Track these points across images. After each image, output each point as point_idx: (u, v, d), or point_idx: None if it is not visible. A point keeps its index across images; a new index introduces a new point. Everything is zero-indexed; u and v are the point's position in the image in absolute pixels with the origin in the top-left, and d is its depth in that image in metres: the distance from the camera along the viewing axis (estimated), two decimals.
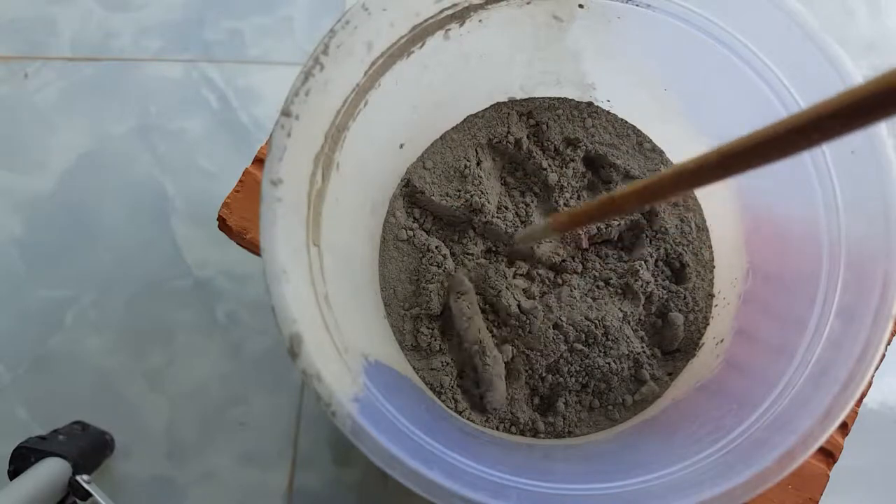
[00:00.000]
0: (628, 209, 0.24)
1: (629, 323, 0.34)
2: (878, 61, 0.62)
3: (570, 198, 0.36)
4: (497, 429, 0.33)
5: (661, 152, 0.37)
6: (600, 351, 0.34)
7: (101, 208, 0.57)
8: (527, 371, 0.34)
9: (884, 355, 0.25)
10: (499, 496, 0.23)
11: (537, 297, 0.35)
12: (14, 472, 0.44)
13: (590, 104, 0.37)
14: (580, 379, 0.34)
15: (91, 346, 0.54)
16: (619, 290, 0.35)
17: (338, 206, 0.28)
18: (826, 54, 0.27)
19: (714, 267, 0.36)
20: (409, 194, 0.35)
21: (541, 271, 0.35)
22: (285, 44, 0.61)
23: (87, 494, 0.44)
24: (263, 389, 0.54)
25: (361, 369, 0.25)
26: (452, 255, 0.35)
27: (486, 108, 0.37)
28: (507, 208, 0.36)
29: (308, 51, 0.56)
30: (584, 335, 0.34)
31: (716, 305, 0.35)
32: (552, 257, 0.35)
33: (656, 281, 0.35)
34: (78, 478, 0.44)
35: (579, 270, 0.36)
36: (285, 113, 0.25)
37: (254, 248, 0.36)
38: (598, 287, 0.35)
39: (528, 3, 0.31)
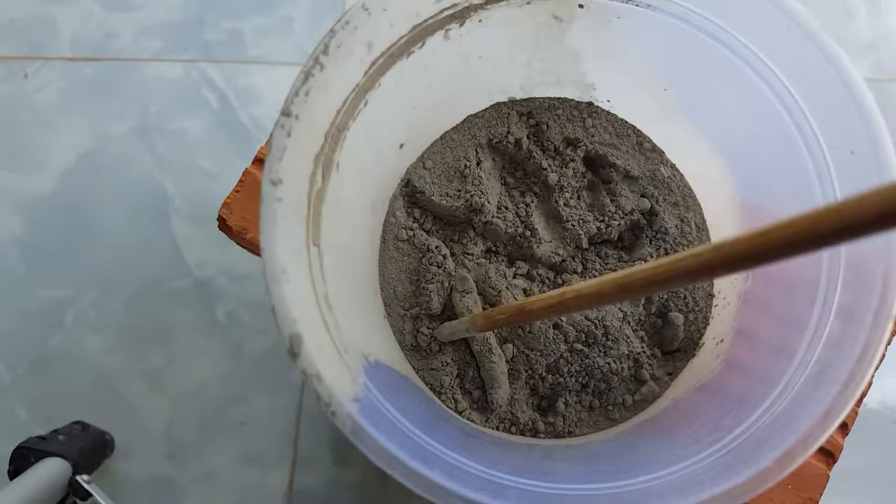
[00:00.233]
0: (540, 317, 0.26)
1: (629, 323, 0.34)
2: (878, 61, 0.62)
3: (570, 198, 0.36)
4: (497, 429, 0.33)
5: (661, 152, 0.37)
6: (600, 351, 0.34)
7: (101, 208, 0.57)
8: (527, 371, 0.34)
9: (884, 355, 0.25)
10: (499, 496, 0.23)
11: None
12: (14, 472, 0.44)
13: (590, 104, 0.37)
14: (580, 379, 0.34)
15: (91, 346, 0.54)
16: None
17: (338, 206, 0.28)
18: (826, 54, 0.27)
19: None
20: (409, 194, 0.35)
21: (541, 271, 0.35)
22: (285, 44, 0.61)
23: (87, 494, 0.44)
24: (263, 389, 0.54)
25: (361, 369, 0.25)
26: (452, 254, 0.35)
27: (486, 108, 0.37)
28: (507, 208, 0.36)
29: (308, 51, 0.57)
30: (584, 335, 0.34)
31: (716, 305, 0.35)
32: (552, 257, 0.35)
33: None
34: (78, 478, 0.44)
35: (579, 270, 0.36)
36: (285, 113, 0.25)
37: (254, 248, 0.36)
38: None
39: (528, 3, 0.31)
